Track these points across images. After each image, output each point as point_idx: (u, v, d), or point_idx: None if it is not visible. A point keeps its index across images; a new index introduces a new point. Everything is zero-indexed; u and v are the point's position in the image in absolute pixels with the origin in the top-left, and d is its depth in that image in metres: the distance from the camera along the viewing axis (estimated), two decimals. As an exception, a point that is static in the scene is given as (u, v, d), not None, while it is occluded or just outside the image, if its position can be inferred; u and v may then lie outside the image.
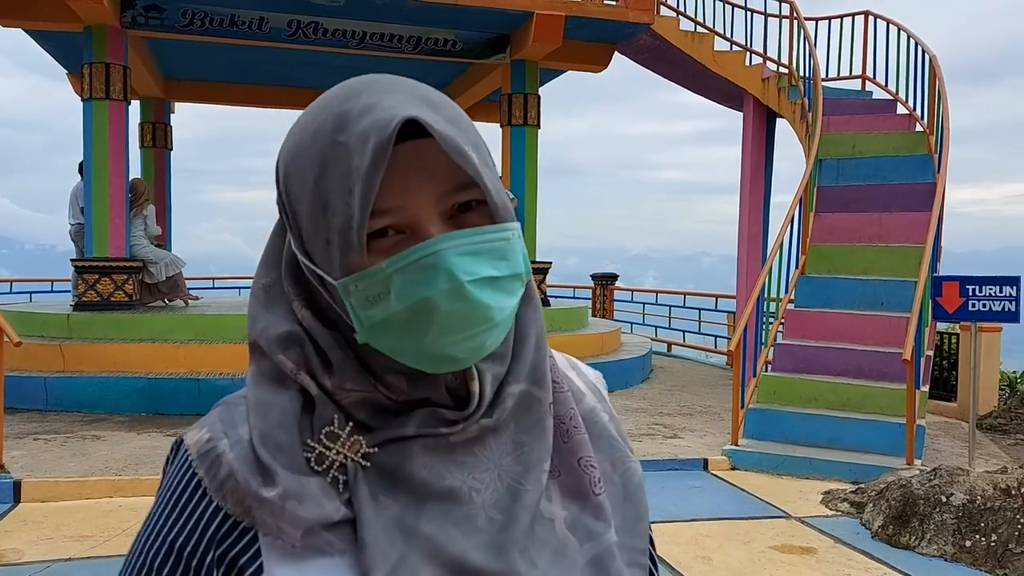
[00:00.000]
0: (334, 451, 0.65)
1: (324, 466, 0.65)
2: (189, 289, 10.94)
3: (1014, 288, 5.84)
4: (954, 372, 8.83)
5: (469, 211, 0.65)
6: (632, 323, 14.44)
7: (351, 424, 0.66)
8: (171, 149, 13.05)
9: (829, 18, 10.35)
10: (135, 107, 11.86)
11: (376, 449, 0.65)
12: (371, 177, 0.59)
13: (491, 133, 11.81)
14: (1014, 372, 9.80)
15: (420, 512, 0.64)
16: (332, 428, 0.65)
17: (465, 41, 10.31)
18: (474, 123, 0.68)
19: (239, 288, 17.86)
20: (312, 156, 0.63)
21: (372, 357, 0.66)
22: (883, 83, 9.70)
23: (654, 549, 0.80)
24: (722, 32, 10.57)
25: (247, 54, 11.01)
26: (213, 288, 17.21)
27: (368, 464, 0.65)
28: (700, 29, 10.53)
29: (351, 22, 9.81)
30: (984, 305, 5.89)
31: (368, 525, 0.63)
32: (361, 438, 0.65)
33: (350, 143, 0.60)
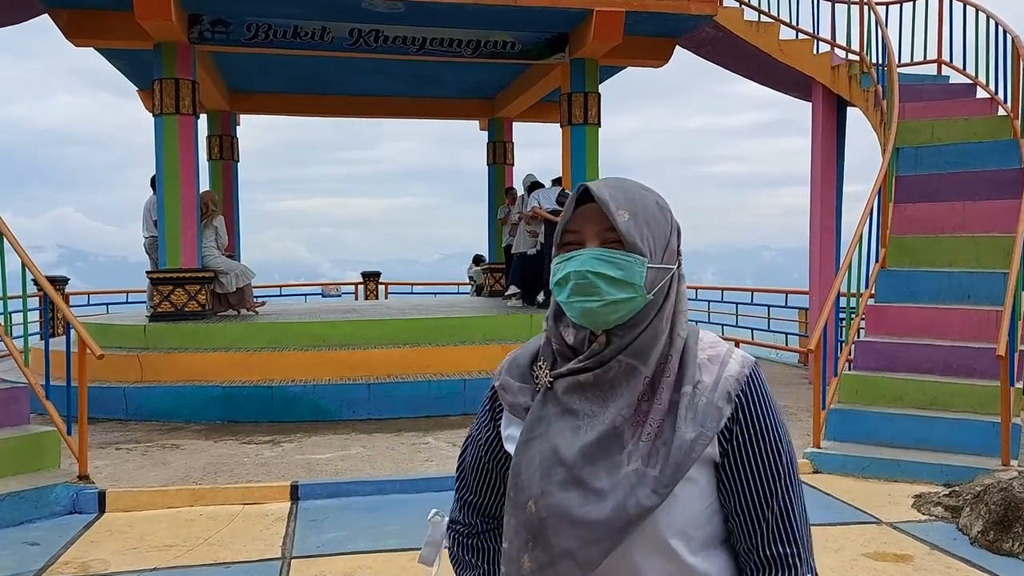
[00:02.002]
0: (540, 375, 1.24)
1: (536, 381, 1.24)
2: (257, 297, 11.12)
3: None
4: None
5: (612, 242, 1.17)
6: (697, 321, 14.17)
7: (548, 362, 1.24)
8: (238, 160, 13.29)
9: (901, 1, 9.98)
10: (203, 120, 12.11)
11: (553, 379, 1.22)
12: (568, 212, 1.21)
13: (551, 134, 11.71)
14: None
15: (560, 417, 1.19)
16: (540, 362, 1.25)
17: (524, 42, 10.23)
18: (656, 209, 1.21)
19: (305, 295, 18.12)
20: (564, 210, 1.23)
21: (565, 316, 1.22)
22: (960, 67, 9.31)
23: (777, 494, 1.20)
24: (788, 20, 10.28)
25: (310, 64, 11.14)
26: (280, 296, 17.49)
27: (550, 386, 1.21)
28: (765, 18, 10.26)
29: (411, 28, 9.83)
30: (1084, 296, 5.56)
31: (532, 412, 1.22)
32: (548, 371, 1.23)
33: (570, 200, 1.21)
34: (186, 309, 9.21)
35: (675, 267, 1.21)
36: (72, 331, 5.71)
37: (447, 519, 1.46)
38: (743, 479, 1.18)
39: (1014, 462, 5.76)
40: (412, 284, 19.62)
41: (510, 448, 1.26)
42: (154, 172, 9.46)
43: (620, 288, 1.14)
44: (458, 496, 1.44)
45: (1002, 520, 4.55)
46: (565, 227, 1.20)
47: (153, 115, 9.39)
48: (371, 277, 17.66)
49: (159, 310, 9.19)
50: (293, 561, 4.49)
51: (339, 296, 17.78)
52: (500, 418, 1.32)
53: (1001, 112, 8.29)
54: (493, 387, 1.34)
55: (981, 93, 8.84)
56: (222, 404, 7.80)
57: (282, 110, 13.88)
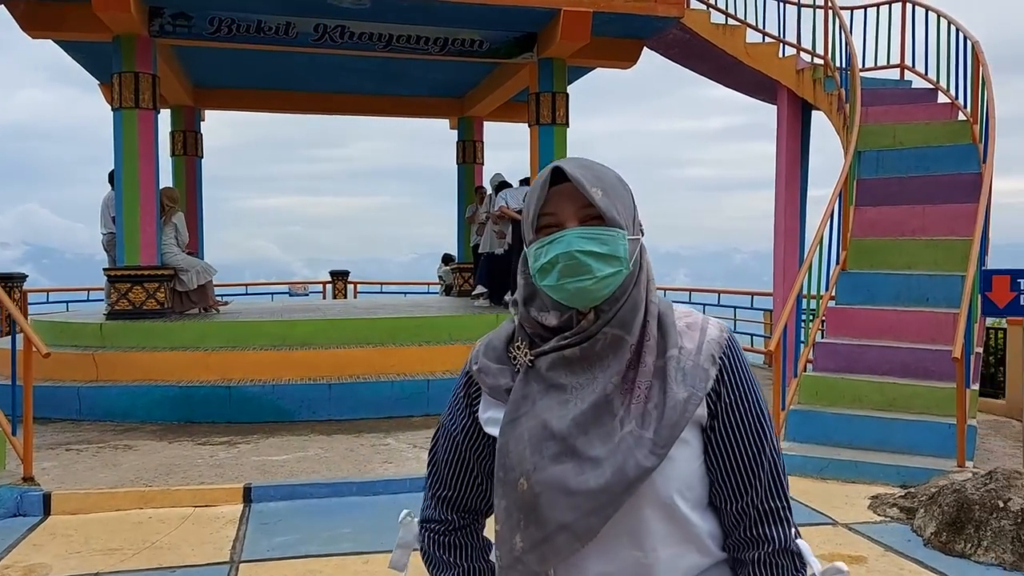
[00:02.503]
0: (518, 355, 1.23)
1: (515, 363, 1.24)
2: (221, 296, 10.96)
3: (1069, 281, 5.57)
4: (1001, 368, 8.52)
5: (592, 219, 1.18)
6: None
7: (526, 342, 1.23)
8: (202, 157, 13.10)
9: (865, 7, 10.05)
10: (165, 116, 11.91)
11: (534, 358, 1.21)
12: (540, 194, 1.20)
13: (519, 133, 11.69)
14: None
15: (544, 394, 1.20)
16: (518, 344, 1.24)
17: (492, 41, 10.19)
18: (619, 183, 1.23)
19: (272, 294, 17.92)
20: (530, 193, 1.23)
21: (545, 298, 1.21)
22: (923, 72, 9.40)
23: (763, 451, 1.24)
24: (754, 24, 10.32)
25: (275, 60, 11.00)
26: (246, 295, 17.28)
27: (531, 365, 1.21)
28: (731, 21, 10.29)
29: (377, 25, 9.74)
30: (1038, 299, 5.62)
31: (515, 392, 1.22)
32: (528, 350, 1.22)
33: (539, 183, 1.20)
34: (144, 307, 9.04)
35: (642, 237, 1.25)
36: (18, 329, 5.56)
37: (417, 519, 1.42)
38: (733, 437, 1.22)
39: (969, 463, 5.80)
40: (381, 284, 19.48)
41: (492, 431, 1.26)
42: (113, 167, 9.28)
43: (608, 263, 1.16)
44: (431, 493, 1.40)
45: (955, 521, 4.57)
46: (540, 210, 1.19)
47: (112, 109, 9.22)
48: (339, 276, 17.51)
49: (117, 308, 9.02)
50: (241, 565, 4.40)
51: (306, 295, 17.62)
52: (477, 404, 1.31)
53: (961, 117, 8.38)
54: (468, 373, 1.32)
55: (942, 98, 8.93)
56: (179, 404, 7.66)
57: (248, 106, 13.71)
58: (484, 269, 10.95)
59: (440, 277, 15.82)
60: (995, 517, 4.41)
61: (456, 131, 14.41)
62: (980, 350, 6.91)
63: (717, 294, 13.70)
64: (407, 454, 6.44)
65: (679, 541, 1.21)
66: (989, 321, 8.20)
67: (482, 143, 14.35)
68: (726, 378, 1.22)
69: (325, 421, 7.68)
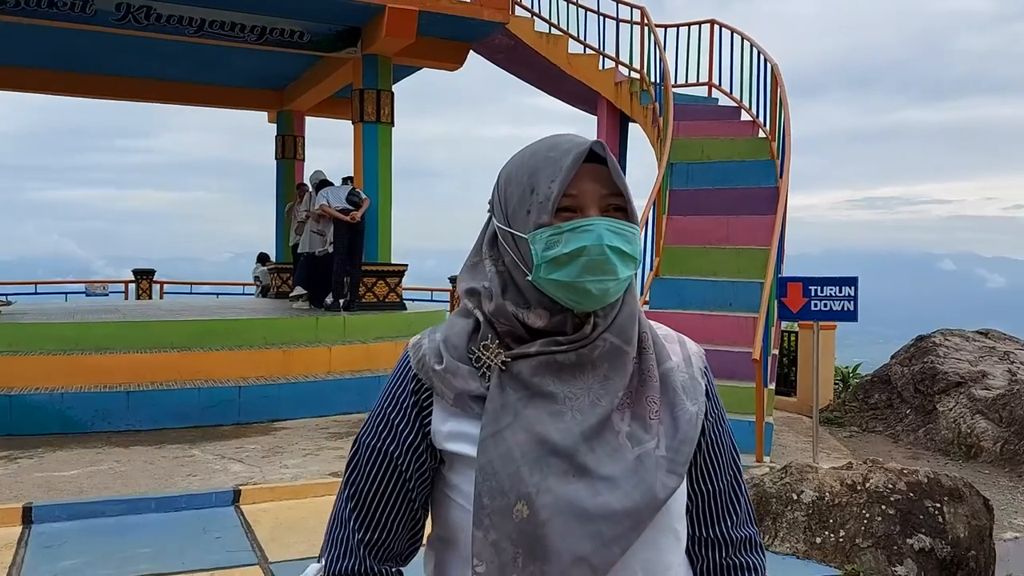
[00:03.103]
0: (486, 356, 1.02)
1: (479, 364, 1.03)
2: (4, 295, 9.88)
3: (852, 288, 6.08)
4: (793, 368, 9.22)
5: (614, 210, 1.02)
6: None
7: (498, 341, 1.03)
8: (-18, 140, 11.78)
9: (677, 25, 10.60)
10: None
11: (510, 359, 1.02)
12: (569, 171, 0.99)
13: (343, 131, 11.37)
14: (847, 367, 10.37)
15: (528, 402, 1.00)
16: (487, 342, 1.03)
17: (314, 33, 9.83)
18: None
19: (66, 294, 16.42)
20: (528, 164, 1.04)
21: (530, 294, 1.03)
22: (728, 90, 10.03)
23: (735, 472, 1.15)
24: (576, 35, 10.61)
25: (71, 39, 10.03)
26: (35, 294, 15.74)
27: (505, 368, 1.02)
28: (554, 31, 10.53)
29: (188, 8, 9.14)
30: (825, 305, 6.10)
31: (491, 400, 1.01)
32: (502, 350, 1.02)
33: (556, 155, 1.01)
34: (-94, 307, 7.97)
35: None
36: None
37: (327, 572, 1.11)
38: (720, 458, 1.13)
39: (767, 459, 6.20)
40: (191, 283, 18.38)
41: (454, 448, 1.05)
42: None
43: (628, 264, 1.02)
44: (353, 536, 1.09)
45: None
46: (565, 191, 1.00)
47: None
48: (144, 275, 16.33)
49: None
50: (15, 597, 3.92)
51: (106, 295, 16.30)
52: (428, 414, 1.07)
53: (761, 134, 9.00)
54: (415, 376, 1.08)
55: (745, 116, 9.56)
56: (-54, 416, 6.78)
57: (41, 87, 12.45)
58: (304, 270, 10.55)
59: (256, 278, 15.12)
60: (790, 509, 4.71)
61: (275, 125, 13.83)
62: (776, 352, 7.43)
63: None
64: (214, 466, 6.04)
65: (685, 572, 1.10)
66: (783, 324, 8.87)
67: (303, 138, 13.87)
68: (711, 392, 1.14)
69: (123, 432, 7.07)
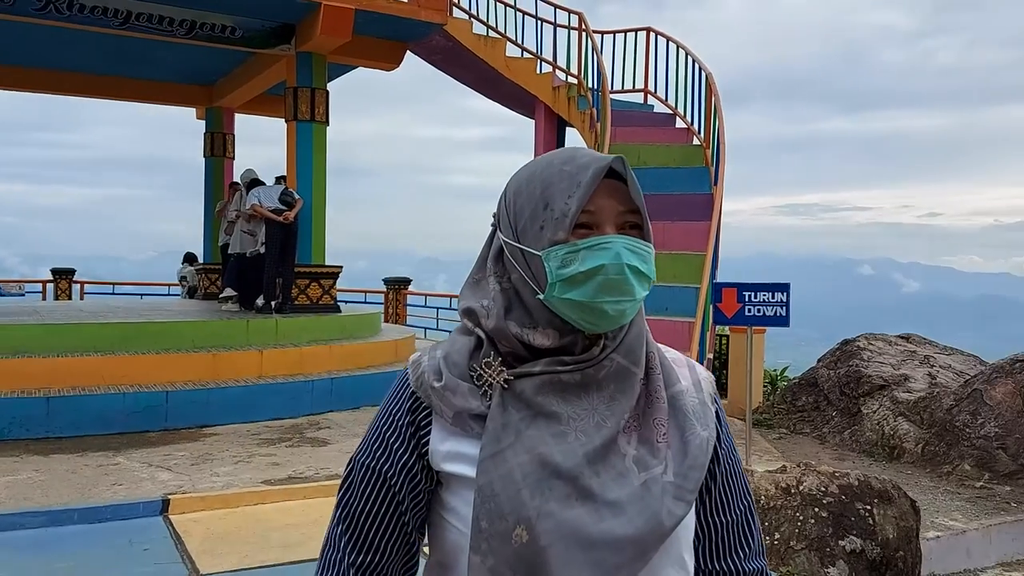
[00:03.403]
0: (487, 373, 0.99)
1: (480, 382, 0.99)
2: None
3: (784, 294, 6.22)
4: (724, 371, 9.41)
5: (631, 228, 0.98)
6: (426, 328, 14.24)
7: (500, 359, 0.99)
8: None
9: (614, 32, 10.72)
10: None
11: (513, 378, 0.98)
12: (588, 187, 0.95)
13: (276, 129, 11.12)
14: (775, 370, 10.63)
15: (530, 422, 0.96)
16: (489, 360, 0.99)
17: (246, 29, 9.60)
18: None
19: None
20: (541, 177, 0.99)
21: (539, 313, 0.98)
22: (663, 97, 10.18)
23: (749, 502, 1.11)
24: (514, 38, 10.62)
25: (-14, 26, 9.59)
26: (-56, 293, 14.97)
27: (507, 386, 0.98)
28: (492, 34, 10.52)
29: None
30: (759, 311, 6.23)
31: (492, 419, 0.97)
32: (505, 369, 0.99)
33: (573, 170, 0.97)
34: None
35: None
36: None
37: None
38: (734, 486, 1.10)
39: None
40: (113, 284, 17.76)
41: (452, 468, 1.01)
42: None
43: (643, 285, 0.98)
44: (345, 559, 1.06)
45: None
46: (583, 206, 0.96)
47: None
48: (63, 275, 15.71)
49: None
50: (-75, 618, 3.70)
51: (22, 295, 15.63)
52: (426, 434, 1.03)
53: (696, 141, 9.16)
54: (414, 393, 1.04)
55: (680, 123, 9.71)
56: None
57: (-48, 77, 11.88)
58: (234, 271, 10.29)
59: (183, 278, 14.69)
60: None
61: (204, 122, 13.47)
62: (711, 356, 7.56)
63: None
64: (141, 474, 5.82)
65: None
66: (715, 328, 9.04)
67: (233, 136, 13.54)
68: (721, 420, 1.09)
69: (42, 440, 6.75)
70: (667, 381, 1.04)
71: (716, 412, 1.08)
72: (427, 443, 1.02)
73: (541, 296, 0.97)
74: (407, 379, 1.06)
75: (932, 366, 8.33)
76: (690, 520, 1.03)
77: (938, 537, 5.12)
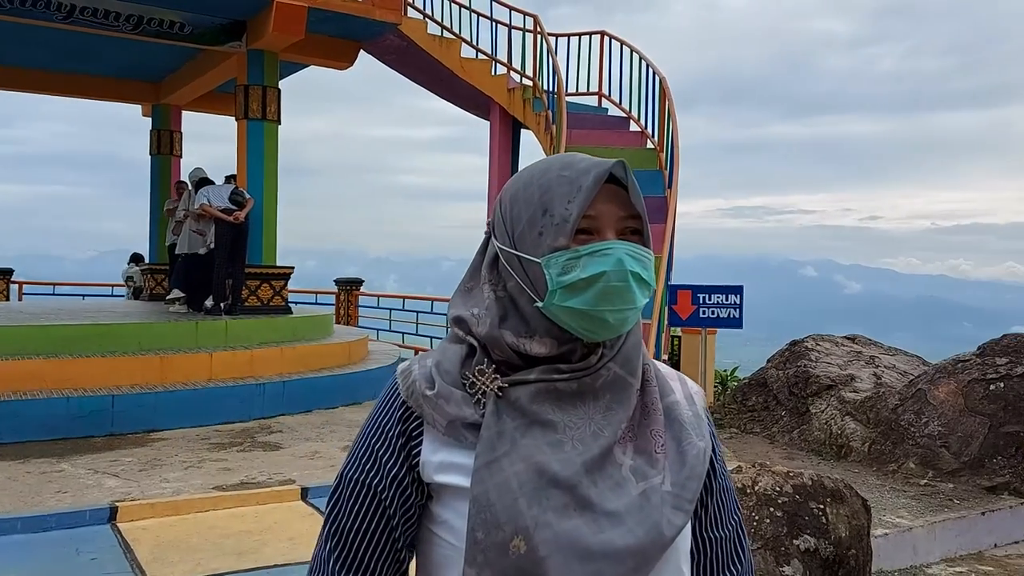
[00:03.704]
0: (481, 381, 0.97)
1: (473, 390, 0.97)
2: None
3: (738, 296, 6.32)
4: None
5: (631, 234, 0.97)
6: (379, 330, 14.10)
7: (494, 366, 0.97)
8: None
9: (568, 35, 10.76)
10: None
11: (507, 385, 0.96)
12: (590, 192, 0.94)
13: (226, 127, 10.92)
14: (725, 370, 10.79)
15: (526, 431, 0.94)
16: (482, 367, 0.97)
17: (195, 25, 9.40)
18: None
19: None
20: (539, 182, 0.98)
21: (536, 322, 0.96)
22: (617, 101, 10.25)
23: (739, 518, 1.13)
24: (469, 39, 10.60)
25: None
26: None
27: (501, 394, 0.96)
28: (447, 34, 10.48)
29: (57, -9, 8.56)
30: (713, 312, 6.32)
31: (487, 428, 0.95)
32: (499, 376, 0.96)
33: (572, 175, 0.96)
34: None
35: None
36: None
37: None
38: (727, 501, 1.09)
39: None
40: (54, 284, 17.23)
41: (446, 479, 0.97)
42: None
43: (645, 292, 0.96)
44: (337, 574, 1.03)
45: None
46: (585, 211, 0.94)
47: None
48: (1, 275, 15.19)
49: None
50: None
51: (-43, 296, 15.06)
52: (418, 444, 1.00)
53: (650, 145, 9.24)
54: (404, 403, 1.01)
55: (634, 126, 9.79)
56: None
57: None
58: (182, 271, 10.07)
59: (129, 278, 14.32)
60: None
61: (150, 119, 13.16)
62: (666, 357, 7.64)
63: (431, 302, 13.82)
64: (87, 481, 5.66)
65: None
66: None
67: (180, 134, 13.26)
68: (712, 431, 1.08)
69: (-20, 446, 6.53)
70: (661, 392, 1.03)
71: (708, 426, 1.08)
72: (418, 455, 0.99)
73: (540, 304, 0.95)
74: (397, 389, 1.02)
75: (877, 366, 8.53)
76: (688, 531, 1.01)
77: (886, 534, 5.24)
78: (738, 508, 1.13)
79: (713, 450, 1.07)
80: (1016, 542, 5.70)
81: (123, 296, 14.82)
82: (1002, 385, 6.71)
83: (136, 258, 14.02)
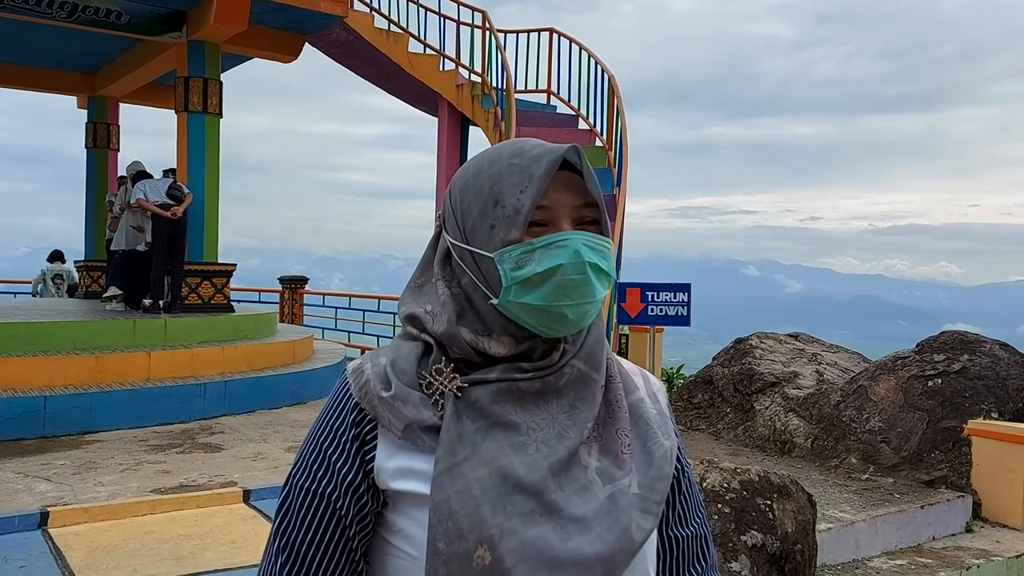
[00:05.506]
0: (438, 381, 0.92)
1: (430, 390, 0.92)
2: None
3: (685, 294, 6.36)
4: (625, 370, 9.56)
5: (588, 223, 0.92)
6: (324, 328, 13.89)
7: (452, 365, 0.93)
8: None
9: (517, 32, 10.72)
10: None
11: (467, 385, 0.91)
12: (542, 180, 0.89)
13: (165, 120, 10.65)
14: (671, 368, 10.89)
15: (487, 433, 0.90)
16: (439, 366, 0.92)
17: (133, 14, 9.11)
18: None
19: None
20: (489, 172, 0.92)
21: (493, 319, 0.92)
22: (566, 99, 10.25)
23: (704, 515, 1.08)
24: (417, 34, 10.49)
25: None
26: None
27: (460, 395, 0.91)
28: (395, 29, 10.35)
29: (-15, -25, 8.21)
30: (661, 310, 6.34)
31: (447, 431, 0.90)
32: (458, 376, 0.92)
33: (523, 162, 0.90)
34: None
35: None
36: None
37: None
38: (691, 499, 1.06)
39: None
40: (-17, 282, 16.59)
41: (403, 486, 0.91)
42: None
43: (604, 284, 0.91)
44: None
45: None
46: (537, 202, 0.89)
47: None
48: (-74, 272, 14.56)
49: None
50: None
51: None
52: (372, 449, 0.93)
53: (598, 143, 9.26)
54: (357, 405, 0.94)
55: (583, 124, 9.81)
56: None
57: None
58: (119, 268, 9.76)
59: (56, 276, 13.75)
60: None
61: (86, 111, 12.74)
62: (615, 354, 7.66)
63: (377, 300, 13.65)
64: (16, 485, 5.42)
65: None
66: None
67: (118, 127, 12.87)
68: (676, 432, 1.04)
69: (-100, 451, 6.22)
70: (625, 389, 0.99)
71: (672, 424, 1.04)
72: (372, 460, 0.93)
73: (495, 301, 0.90)
74: (348, 389, 0.96)
75: (820, 363, 8.68)
76: (654, 534, 0.98)
77: (829, 529, 5.32)
78: (702, 505, 1.09)
79: (679, 448, 1.03)
80: (953, 535, 5.84)
81: (48, 296, 14.17)
82: (940, 381, 6.88)
83: (56, 255, 13.54)
